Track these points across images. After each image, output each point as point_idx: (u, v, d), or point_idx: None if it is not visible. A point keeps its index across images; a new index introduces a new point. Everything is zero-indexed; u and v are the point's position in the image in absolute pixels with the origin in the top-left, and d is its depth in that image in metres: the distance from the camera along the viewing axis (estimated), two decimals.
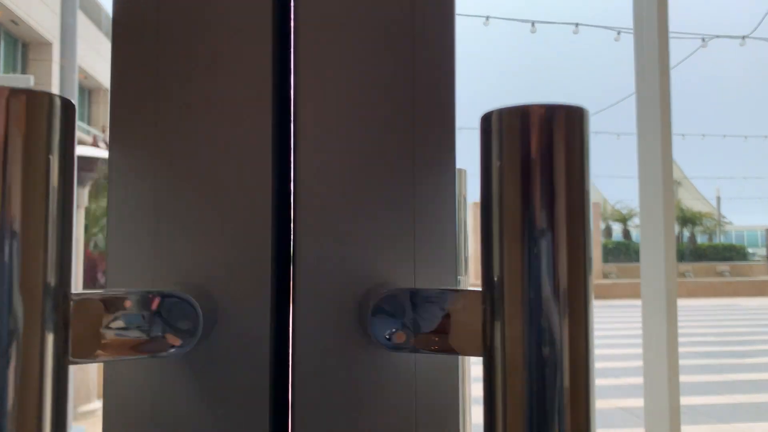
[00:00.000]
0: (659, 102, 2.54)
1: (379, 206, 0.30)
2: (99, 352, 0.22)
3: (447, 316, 0.24)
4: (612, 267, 18.10)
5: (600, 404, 5.42)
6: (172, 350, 0.23)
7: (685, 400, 5.44)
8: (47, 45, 6.43)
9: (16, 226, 0.19)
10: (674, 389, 2.54)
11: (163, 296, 0.22)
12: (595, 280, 16.08)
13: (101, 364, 0.26)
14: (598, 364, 7.12)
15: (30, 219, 0.19)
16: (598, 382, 6.26)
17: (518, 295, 0.21)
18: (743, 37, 10.63)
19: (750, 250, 26.52)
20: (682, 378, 6.59)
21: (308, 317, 0.29)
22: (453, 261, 0.27)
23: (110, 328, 0.22)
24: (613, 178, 30.90)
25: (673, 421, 2.53)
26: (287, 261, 0.30)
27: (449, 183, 0.27)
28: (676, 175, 22.43)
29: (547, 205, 0.21)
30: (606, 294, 16.15)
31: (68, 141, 0.20)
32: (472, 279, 0.92)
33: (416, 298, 0.25)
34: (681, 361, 6.90)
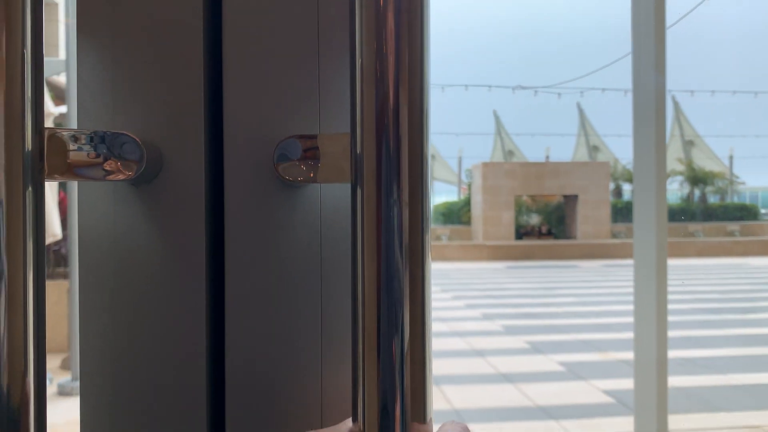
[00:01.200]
0: (654, 59, 2.56)
1: (291, 70, 0.40)
2: (66, 174, 0.30)
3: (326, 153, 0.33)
4: (621, 227, 18.12)
5: (600, 357, 5.57)
6: (124, 177, 0.31)
7: (685, 353, 5.58)
8: (53, 5, 6.48)
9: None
10: (662, 343, 2.65)
11: (118, 135, 0.31)
12: (604, 239, 16.04)
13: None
14: (602, 320, 7.20)
15: (11, 60, 0.26)
16: (601, 336, 6.40)
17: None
18: None
19: (763, 210, 26.32)
20: (684, 332, 6.73)
21: (237, 165, 0.38)
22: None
23: (74, 156, 0.30)
24: (622, 137, 30.60)
25: (660, 373, 2.65)
26: (219, 119, 0.40)
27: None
28: (689, 134, 22.12)
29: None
30: (614, 254, 16.22)
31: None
32: None
33: (311, 142, 0.34)
34: (683, 317, 7.06)
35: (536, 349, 5.82)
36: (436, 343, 5.99)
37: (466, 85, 24.51)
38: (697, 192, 20.40)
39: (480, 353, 5.67)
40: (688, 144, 27.79)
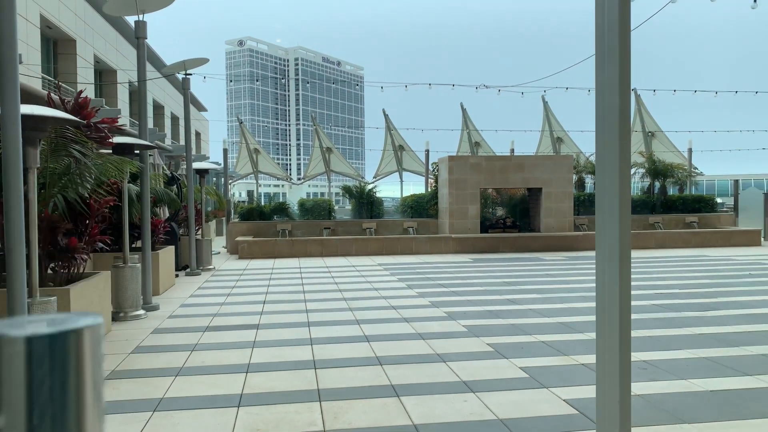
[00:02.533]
0: (618, 59, 2.46)
1: None
2: None
3: None
4: (584, 219, 18.32)
5: (563, 361, 5.53)
6: None
7: (647, 356, 5.57)
8: None
9: None
10: (625, 346, 2.56)
11: None
12: (567, 232, 16.20)
13: None
14: (561, 318, 7.16)
15: None
16: (560, 337, 6.37)
17: None
18: None
19: (720, 200, 27.01)
20: (647, 333, 6.77)
21: None
22: None
23: None
24: (585, 132, 31.06)
25: (623, 381, 2.56)
26: None
27: None
28: (650, 127, 22.53)
29: None
30: (577, 246, 16.39)
31: None
32: None
33: None
34: (646, 315, 7.11)
35: (499, 352, 5.76)
36: (399, 346, 5.88)
37: (430, 84, 24.41)
38: (657, 183, 20.76)
39: (442, 358, 5.57)
40: (649, 136, 28.30)
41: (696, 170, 26.46)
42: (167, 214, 12.62)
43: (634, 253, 15.73)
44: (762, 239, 18.80)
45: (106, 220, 8.86)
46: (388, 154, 31.84)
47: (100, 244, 7.08)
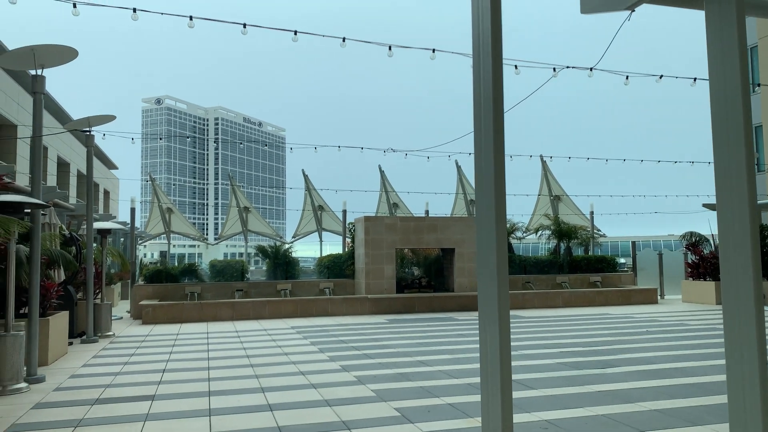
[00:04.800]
0: (492, 132, 2.58)
1: None
2: None
3: None
4: None
5: (466, 424, 5.50)
6: None
7: (549, 415, 5.64)
8: None
9: None
10: (507, 407, 2.55)
11: None
12: (473, 292, 16.50)
13: None
14: (469, 379, 7.12)
15: None
16: (466, 399, 6.36)
17: None
18: (591, 69, 11.48)
19: (622, 260, 28.59)
20: (550, 392, 6.87)
21: None
22: None
23: None
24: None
25: None
26: None
27: None
28: (556, 191, 23.54)
29: None
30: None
31: None
32: None
33: None
34: (550, 374, 7.23)
35: (405, 417, 5.66)
36: (303, 414, 5.65)
37: (339, 146, 24.94)
38: (563, 245, 21.76)
39: (347, 425, 5.40)
40: (555, 200, 29.85)
41: (599, 232, 28.04)
42: (63, 277, 11.80)
43: (543, 312, 16.25)
44: (658, 297, 20.00)
45: None
46: (308, 214, 31.73)
47: None
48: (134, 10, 10.56)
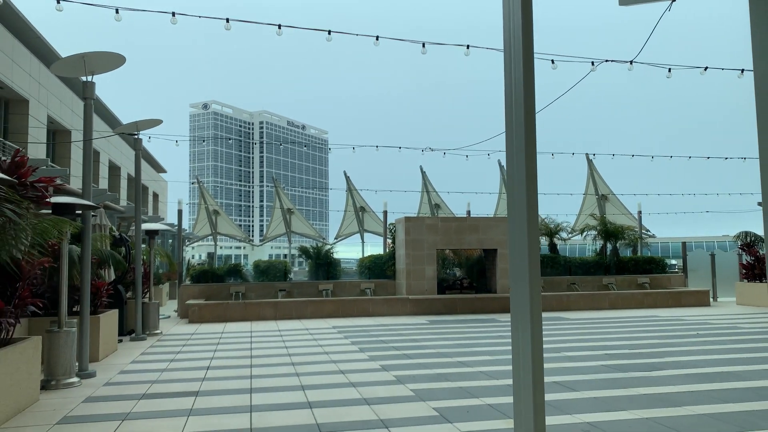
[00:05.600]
0: (524, 133, 2.54)
1: None
2: None
3: None
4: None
5: (505, 424, 5.42)
6: None
7: (591, 417, 5.52)
8: None
9: None
10: (539, 409, 2.51)
11: None
12: None
13: None
14: (509, 380, 7.04)
15: None
16: (506, 400, 6.28)
17: None
18: (630, 62, 11.17)
19: (674, 261, 27.70)
20: (593, 394, 6.74)
21: None
22: None
23: None
24: (545, 195, 31.90)
25: None
26: None
27: None
28: (603, 190, 23.13)
29: None
30: None
31: None
32: None
33: None
34: (594, 376, 7.10)
35: (444, 417, 5.63)
36: (342, 412, 5.68)
37: (377, 146, 25.05)
38: (609, 245, 21.24)
39: (385, 424, 5.41)
40: (602, 199, 29.16)
41: (647, 232, 27.24)
42: (113, 276, 12.22)
43: (588, 314, 15.89)
44: (710, 299, 19.28)
45: (43, 282, 8.53)
46: (350, 215, 31.95)
47: (32, 308, 6.76)
48: (173, 14, 10.86)
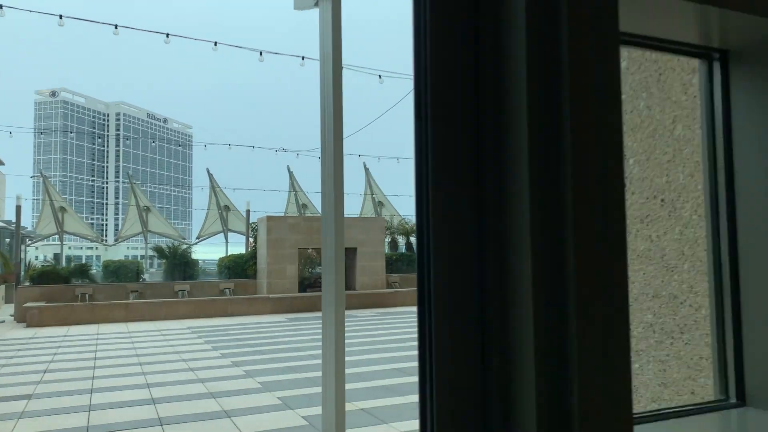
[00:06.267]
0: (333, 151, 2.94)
1: None
2: None
3: None
4: (395, 277, 19.45)
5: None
6: None
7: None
8: None
9: None
10: (340, 395, 2.93)
11: None
12: (381, 289, 17.04)
13: None
14: (361, 369, 7.61)
15: None
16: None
17: None
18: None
19: None
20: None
21: None
22: None
23: None
24: (400, 197, 33.32)
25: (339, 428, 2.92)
26: None
27: None
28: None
29: None
30: (388, 303, 17.31)
31: None
32: None
33: None
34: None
35: (287, 404, 5.95)
36: (186, 406, 5.78)
37: (230, 144, 24.88)
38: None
39: (228, 414, 5.62)
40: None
41: None
42: None
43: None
44: None
45: None
46: (213, 213, 31.12)
47: None
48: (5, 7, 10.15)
